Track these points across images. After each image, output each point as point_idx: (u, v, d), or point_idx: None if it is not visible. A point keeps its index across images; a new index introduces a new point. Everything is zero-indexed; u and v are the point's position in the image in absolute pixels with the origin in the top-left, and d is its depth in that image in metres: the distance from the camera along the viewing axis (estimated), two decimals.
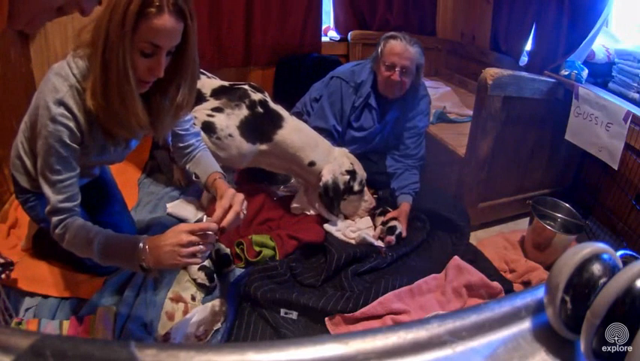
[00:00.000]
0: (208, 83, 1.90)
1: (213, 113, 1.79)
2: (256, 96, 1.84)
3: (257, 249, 1.66)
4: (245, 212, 1.18)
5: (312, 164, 1.81)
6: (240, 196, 1.17)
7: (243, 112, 1.80)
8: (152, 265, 1.05)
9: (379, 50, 1.93)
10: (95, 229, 1.12)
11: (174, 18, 0.97)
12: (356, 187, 1.88)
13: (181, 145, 1.36)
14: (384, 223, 1.87)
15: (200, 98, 1.84)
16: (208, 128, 1.76)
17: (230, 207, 1.14)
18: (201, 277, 1.53)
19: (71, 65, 1.06)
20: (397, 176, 2.04)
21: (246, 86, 1.88)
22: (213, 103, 1.82)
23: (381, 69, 1.91)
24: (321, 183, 1.80)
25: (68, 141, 1.07)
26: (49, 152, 1.06)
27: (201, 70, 2.00)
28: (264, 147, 1.81)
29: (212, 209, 1.17)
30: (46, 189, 1.10)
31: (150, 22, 0.95)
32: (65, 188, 1.10)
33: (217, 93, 1.85)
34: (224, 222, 1.11)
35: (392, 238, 1.79)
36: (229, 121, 1.78)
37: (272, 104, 1.87)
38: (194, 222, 1.14)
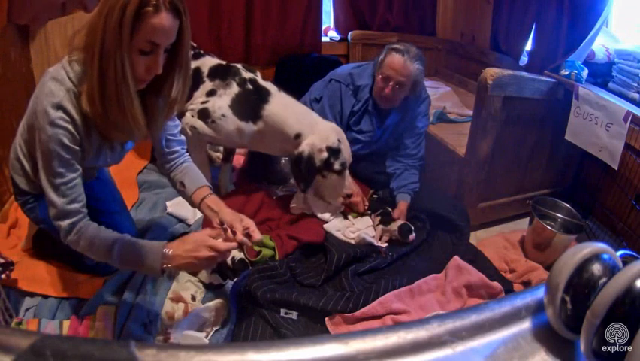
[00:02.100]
0: (208, 61, 1.92)
1: (207, 98, 1.82)
2: (247, 75, 1.86)
3: (256, 249, 1.66)
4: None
5: (298, 136, 1.77)
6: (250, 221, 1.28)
7: (234, 90, 1.81)
8: (172, 269, 1.13)
9: (380, 59, 1.90)
10: (112, 237, 1.12)
11: (171, 16, 0.99)
12: (336, 166, 1.78)
13: (167, 150, 1.37)
14: (387, 223, 1.87)
15: (198, 78, 1.85)
16: (203, 114, 1.80)
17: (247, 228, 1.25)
18: (216, 278, 1.55)
19: (67, 69, 1.06)
20: (397, 176, 2.04)
21: (239, 65, 1.90)
22: (207, 86, 1.84)
23: (377, 78, 1.91)
24: (295, 152, 1.75)
25: (69, 143, 1.07)
26: (50, 156, 1.06)
27: (204, 51, 2.02)
28: (257, 126, 1.80)
29: (209, 224, 1.27)
30: (51, 194, 1.09)
31: (149, 21, 0.96)
32: (70, 190, 1.10)
33: (212, 74, 1.87)
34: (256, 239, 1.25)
35: (413, 236, 1.81)
36: (221, 102, 1.80)
37: (261, 82, 1.87)
38: (210, 232, 1.19)
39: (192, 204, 1.37)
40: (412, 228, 1.82)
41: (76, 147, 1.10)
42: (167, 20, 0.98)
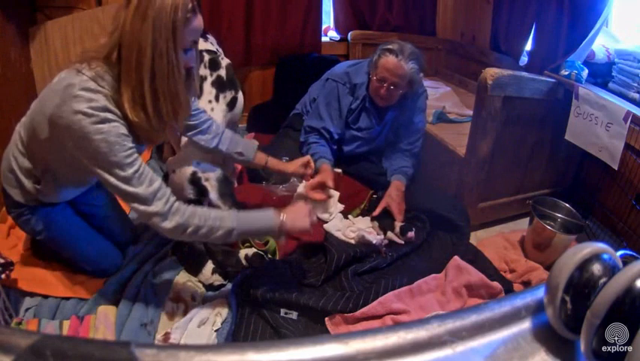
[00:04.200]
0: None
1: None
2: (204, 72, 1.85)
3: (261, 241, 1.67)
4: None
5: None
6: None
7: None
8: (287, 231, 1.31)
9: (374, 60, 1.88)
10: (229, 220, 1.21)
11: (200, 14, 1.12)
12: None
13: (197, 122, 1.45)
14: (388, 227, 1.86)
15: None
16: None
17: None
18: (218, 279, 1.55)
19: (96, 80, 1.07)
20: (388, 158, 2.07)
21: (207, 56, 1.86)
22: None
23: (372, 79, 1.90)
24: None
25: (126, 132, 1.10)
26: (113, 150, 1.07)
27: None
28: None
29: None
30: (130, 189, 1.10)
31: (191, 24, 1.09)
32: (144, 175, 1.12)
33: None
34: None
35: (412, 233, 1.80)
36: None
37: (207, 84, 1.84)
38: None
39: (254, 166, 1.63)
40: (413, 228, 1.82)
41: (131, 136, 1.12)
42: (201, 20, 1.12)
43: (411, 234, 1.80)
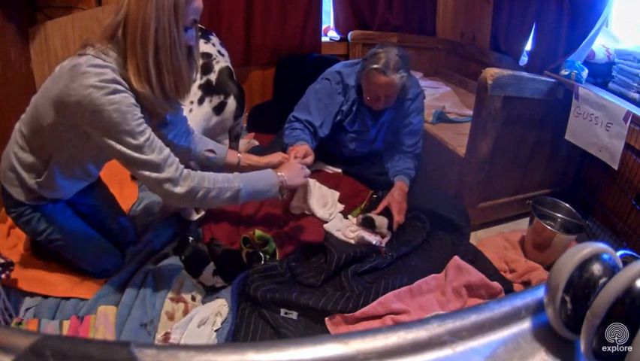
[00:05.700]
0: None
1: None
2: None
3: (260, 241, 1.67)
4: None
5: None
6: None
7: None
8: (286, 187, 1.43)
9: (363, 75, 1.84)
10: (232, 181, 1.28)
11: None
12: None
13: (174, 117, 1.45)
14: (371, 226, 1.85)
15: None
16: None
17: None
18: (219, 281, 1.54)
19: (102, 57, 1.11)
20: (390, 158, 2.06)
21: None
22: None
23: (366, 98, 1.88)
24: None
25: (135, 102, 1.13)
26: (125, 119, 1.09)
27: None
28: None
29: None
30: (143, 157, 1.13)
31: (192, 3, 1.15)
32: (155, 143, 1.16)
33: None
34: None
35: (379, 239, 1.77)
36: None
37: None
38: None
39: (226, 165, 1.59)
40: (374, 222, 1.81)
41: (139, 106, 1.15)
42: (201, 1, 1.18)
43: (379, 239, 1.77)
